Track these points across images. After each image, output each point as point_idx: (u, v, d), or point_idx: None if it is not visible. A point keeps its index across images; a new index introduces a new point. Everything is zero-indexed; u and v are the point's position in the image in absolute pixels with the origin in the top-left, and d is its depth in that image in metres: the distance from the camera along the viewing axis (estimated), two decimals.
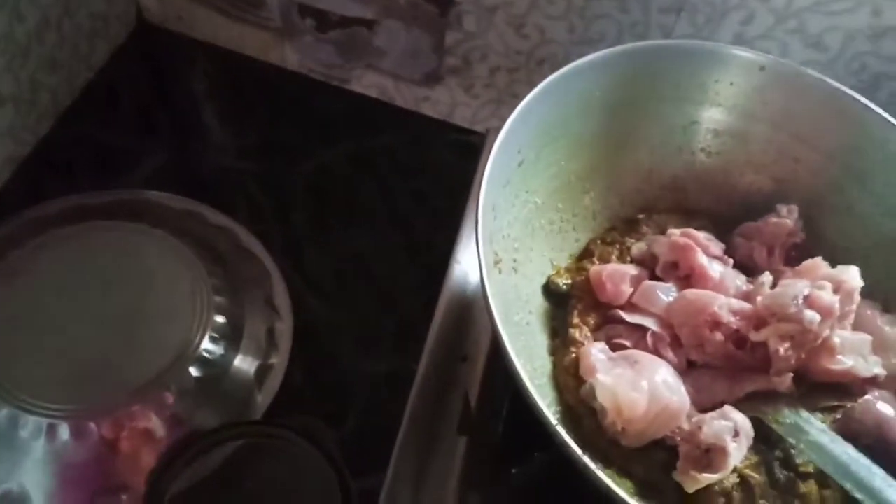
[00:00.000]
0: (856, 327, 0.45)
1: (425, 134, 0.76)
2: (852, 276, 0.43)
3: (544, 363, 0.44)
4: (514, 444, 0.45)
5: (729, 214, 0.52)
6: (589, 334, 0.45)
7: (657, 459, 0.40)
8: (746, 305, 0.43)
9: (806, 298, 0.41)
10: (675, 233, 0.47)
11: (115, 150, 0.68)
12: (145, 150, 0.69)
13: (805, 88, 0.48)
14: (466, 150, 0.74)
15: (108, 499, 0.48)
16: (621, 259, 0.49)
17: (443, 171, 0.73)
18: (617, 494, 0.34)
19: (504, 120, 0.44)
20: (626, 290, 0.46)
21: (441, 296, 0.54)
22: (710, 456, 0.38)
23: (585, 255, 0.50)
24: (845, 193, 0.50)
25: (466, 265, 0.57)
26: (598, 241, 0.50)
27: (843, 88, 0.48)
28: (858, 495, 0.36)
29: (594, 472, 0.34)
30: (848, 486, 0.37)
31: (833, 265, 0.46)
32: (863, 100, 0.48)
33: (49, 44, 0.65)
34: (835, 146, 0.49)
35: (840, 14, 0.59)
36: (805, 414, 0.41)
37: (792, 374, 0.42)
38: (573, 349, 0.44)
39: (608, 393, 0.40)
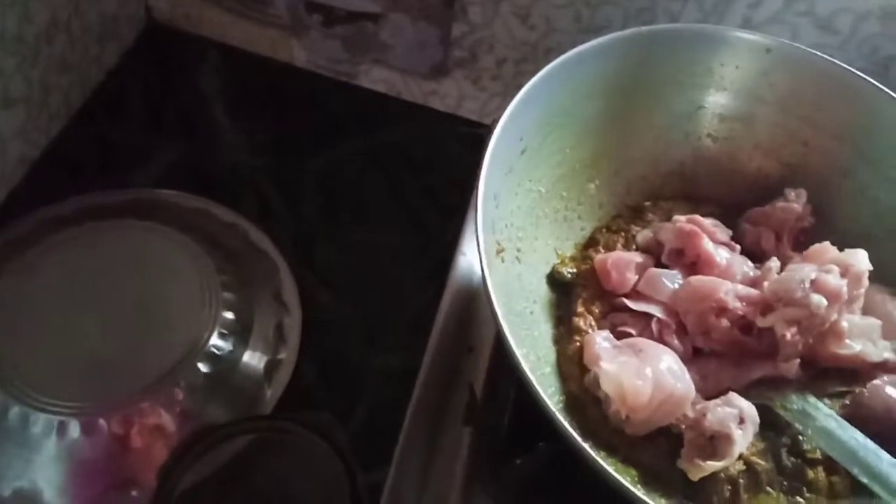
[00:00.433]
0: (865, 311, 0.44)
1: (434, 128, 0.76)
2: (860, 259, 0.42)
3: (548, 352, 0.44)
4: (519, 434, 0.44)
5: (737, 200, 0.51)
6: (593, 323, 0.45)
7: (662, 447, 0.40)
8: (753, 291, 0.42)
9: (813, 283, 0.41)
10: (680, 219, 0.46)
11: (126, 149, 0.69)
12: (156, 148, 0.70)
13: (813, 70, 0.48)
14: (475, 143, 0.73)
15: (120, 494, 0.48)
16: (626, 247, 0.48)
17: (452, 165, 0.73)
18: (620, 483, 0.33)
19: None
20: (632, 277, 0.45)
21: (447, 287, 0.54)
22: (714, 443, 0.38)
23: (590, 243, 0.49)
24: (856, 177, 0.49)
25: (472, 256, 0.57)
26: (604, 230, 0.50)
27: (853, 70, 0.47)
28: (865, 480, 0.36)
29: (596, 461, 0.34)
30: (855, 471, 0.36)
31: (842, 250, 0.46)
32: (873, 81, 0.47)
33: (59, 45, 0.66)
34: (845, 129, 0.48)
35: None
36: (813, 400, 0.40)
37: (799, 360, 0.41)
38: (577, 338, 0.44)
39: (612, 381, 0.39)
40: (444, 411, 0.48)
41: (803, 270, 0.41)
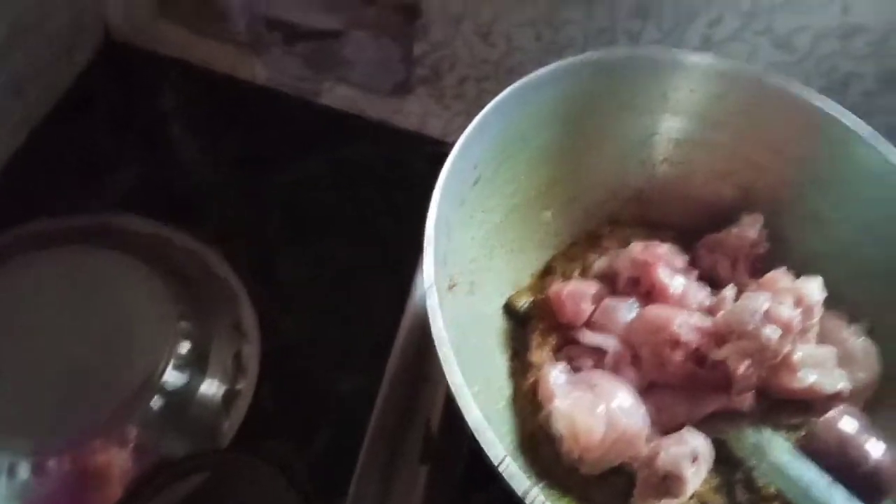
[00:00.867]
0: (821, 339, 0.44)
1: (399, 146, 0.76)
2: (814, 289, 0.42)
3: (504, 386, 0.44)
4: (476, 469, 0.44)
5: (695, 224, 0.51)
6: (550, 355, 0.44)
7: (616, 486, 0.39)
8: (707, 322, 0.42)
9: (766, 314, 0.40)
10: (635, 248, 0.46)
11: (84, 170, 0.68)
12: (116, 170, 0.69)
13: (767, 94, 0.47)
14: (440, 161, 0.73)
15: None
16: (584, 275, 0.48)
17: (417, 184, 0.72)
18: None
19: None
20: (587, 308, 0.45)
21: (404, 315, 0.53)
22: (667, 482, 0.37)
23: (547, 272, 0.49)
24: (809, 201, 0.49)
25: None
26: (561, 258, 0.49)
27: (805, 95, 0.47)
28: None
29: None
30: None
31: (799, 274, 0.45)
32: (824, 106, 0.47)
33: (14, 64, 0.64)
34: (798, 153, 0.48)
35: (809, 12, 0.58)
36: (768, 433, 0.40)
37: (755, 392, 0.41)
38: (532, 372, 0.43)
39: (566, 420, 0.39)
40: (401, 443, 0.47)
41: (757, 301, 0.41)
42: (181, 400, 0.52)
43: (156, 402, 0.51)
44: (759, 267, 0.48)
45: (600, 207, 0.50)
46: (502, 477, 0.33)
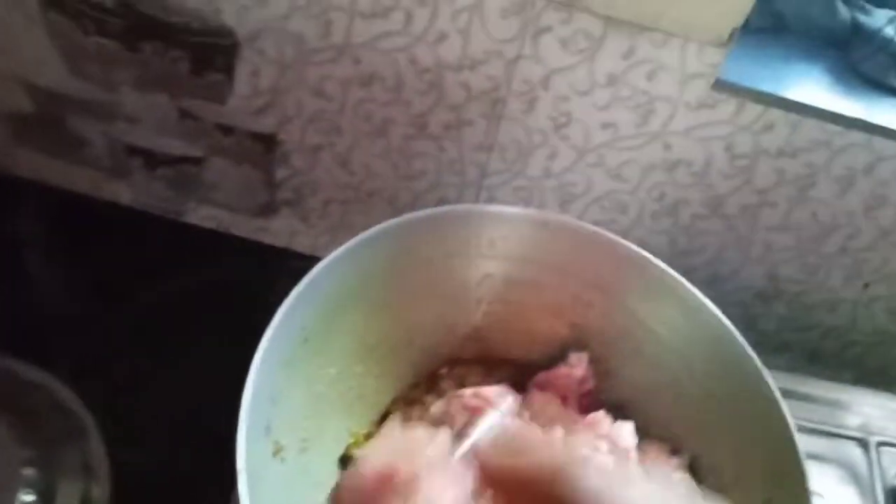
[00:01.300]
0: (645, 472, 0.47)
1: (266, 262, 0.76)
2: (626, 434, 0.45)
3: None
4: None
5: (532, 360, 0.54)
6: None
7: None
8: None
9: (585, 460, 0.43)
10: (465, 393, 0.48)
11: None
12: None
13: (586, 240, 0.51)
14: None
15: None
16: (422, 419, 0.49)
17: (281, 302, 0.73)
18: None
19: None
20: None
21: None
22: None
23: (385, 418, 0.50)
24: (632, 336, 0.52)
25: None
26: (401, 401, 0.51)
27: (619, 240, 0.51)
28: None
29: None
30: None
31: (625, 408, 0.48)
32: (636, 249, 0.50)
33: None
34: (620, 291, 0.52)
35: (633, 149, 0.63)
36: None
37: None
38: None
39: None
40: None
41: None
42: None
43: None
44: (585, 403, 0.51)
45: (439, 347, 0.52)
46: None
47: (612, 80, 0.58)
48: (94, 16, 0.61)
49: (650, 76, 0.57)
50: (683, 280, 0.49)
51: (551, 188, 0.67)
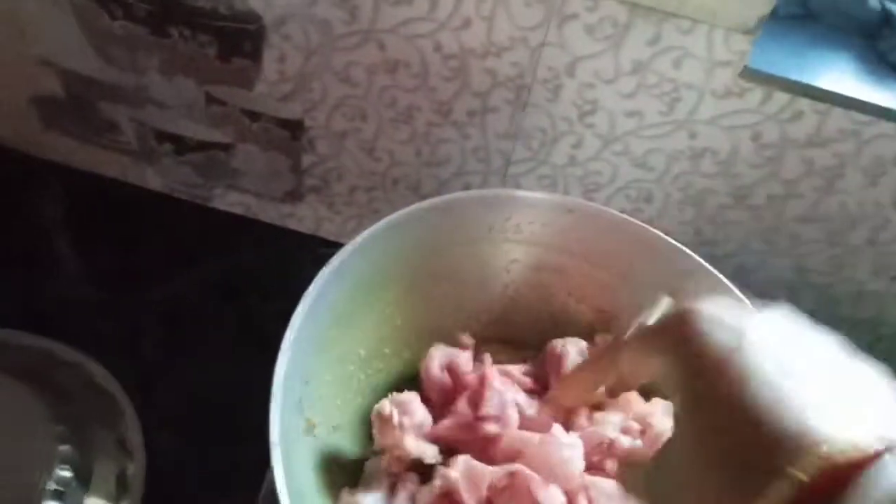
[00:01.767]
0: None
1: (294, 248, 0.77)
2: (660, 419, 0.45)
3: None
4: None
5: None
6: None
7: None
8: None
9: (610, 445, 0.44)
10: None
11: None
12: None
13: (612, 227, 0.51)
14: None
15: None
16: None
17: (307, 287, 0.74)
18: None
19: None
20: None
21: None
22: None
23: None
24: None
25: None
26: None
27: (646, 227, 0.51)
28: None
29: None
30: None
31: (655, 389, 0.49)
32: (663, 236, 0.51)
33: None
34: (646, 278, 0.52)
35: (659, 138, 0.63)
36: None
37: None
38: None
39: None
40: None
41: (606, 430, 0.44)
42: None
43: None
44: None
45: (465, 330, 0.52)
46: None
47: (637, 68, 0.58)
48: (121, 0, 0.62)
49: (676, 64, 0.57)
50: (711, 268, 0.49)
51: (576, 177, 0.67)
